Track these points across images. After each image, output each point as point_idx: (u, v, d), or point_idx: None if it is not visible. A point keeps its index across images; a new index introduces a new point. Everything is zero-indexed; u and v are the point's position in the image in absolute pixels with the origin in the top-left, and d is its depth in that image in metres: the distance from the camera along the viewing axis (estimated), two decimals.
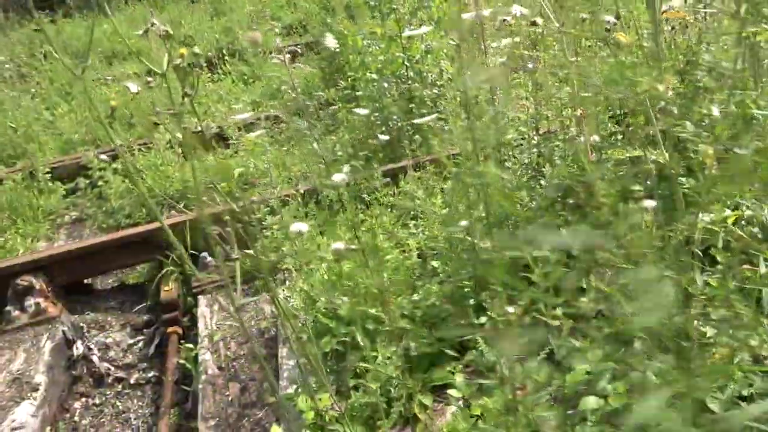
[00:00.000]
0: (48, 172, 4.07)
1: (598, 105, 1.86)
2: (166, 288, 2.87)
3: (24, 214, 3.73)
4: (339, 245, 1.34)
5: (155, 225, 3.15)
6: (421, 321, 2.05)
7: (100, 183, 3.97)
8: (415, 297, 2.10)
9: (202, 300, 2.75)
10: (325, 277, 2.37)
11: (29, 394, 2.36)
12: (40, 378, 2.44)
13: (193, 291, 2.83)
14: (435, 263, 2.19)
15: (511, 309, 0.89)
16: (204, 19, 8.05)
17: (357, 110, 2.01)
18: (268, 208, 2.87)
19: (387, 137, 2.49)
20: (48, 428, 2.35)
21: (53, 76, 6.18)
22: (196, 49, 1.24)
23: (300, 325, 1.73)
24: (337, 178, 1.35)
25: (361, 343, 2.00)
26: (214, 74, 5.78)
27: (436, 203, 2.78)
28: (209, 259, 2.96)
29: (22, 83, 5.60)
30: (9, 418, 2.24)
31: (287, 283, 2.70)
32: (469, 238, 1.57)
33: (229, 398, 2.15)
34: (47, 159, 4.28)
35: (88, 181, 4.12)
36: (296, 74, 4.77)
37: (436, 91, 3.54)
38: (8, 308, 2.79)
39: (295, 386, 2.03)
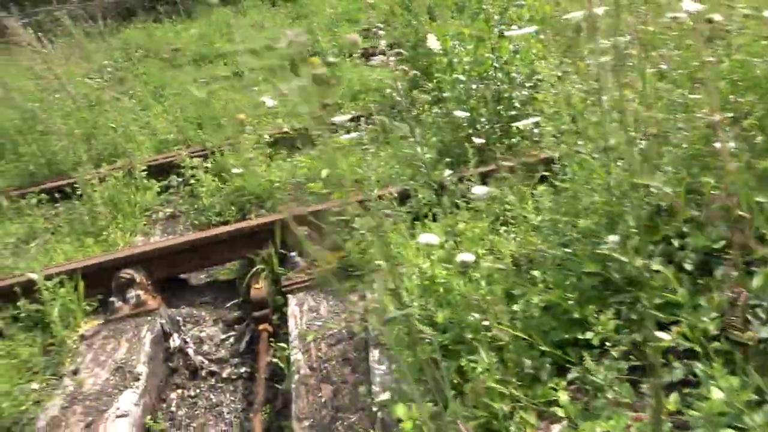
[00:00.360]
0: (144, 170, 4.27)
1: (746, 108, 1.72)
2: (257, 286, 2.93)
3: (123, 209, 3.93)
4: (468, 256, 1.29)
5: (246, 223, 3.23)
6: (521, 332, 1.97)
7: (191, 181, 4.14)
8: (515, 307, 2.02)
9: (292, 299, 2.79)
10: (417, 282, 2.34)
11: (132, 383, 2.47)
12: (142, 368, 2.55)
13: (282, 290, 2.88)
14: (535, 272, 2.11)
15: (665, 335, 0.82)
16: (285, 22, 8.25)
17: (457, 112, 1.96)
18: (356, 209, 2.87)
19: (482, 140, 2.42)
20: (148, 417, 2.45)
21: (147, 78, 6.52)
22: (330, 59, 1.24)
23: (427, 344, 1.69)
24: (479, 191, 1.31)
25: (460, 353, 1.95)
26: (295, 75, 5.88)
27: (528, 208, 2.69)
28: (298, 258, 3.01)
29: (120, 85, 5.92)
30: (114, 405, 2.36)
31: (375, 286, 2.69)
32: (617, 255, 1.48)
33: (322, 400, 2.16)
34: (143, 157, 4.50)
35: (180, 179, 4.31)
36: (382, 75, 4.78)
37: (525, 93, 3.44)
38: (112, 299, 2.94)
39: (388, 392, 2.01)
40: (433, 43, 2.04)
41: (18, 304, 2.83)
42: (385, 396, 1.99)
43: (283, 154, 4.29)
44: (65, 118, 4.86)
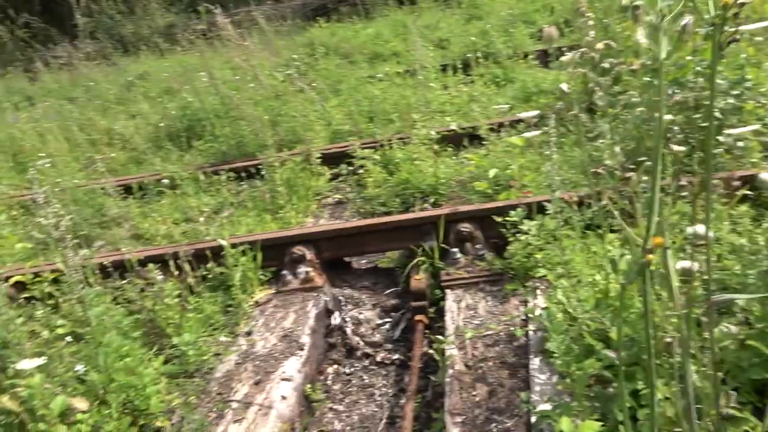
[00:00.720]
0: (319, 157, 4.55)
1: None
2: (417, 277, 2.97)
3: (298, 192, 4.22)
4: (686, 263, 1.18)
5: (410, 215, 3.29)
6: (711, 363, 1.75)
7: (360, 171, 4.32)
8: (706, 335, 1.80)
9: (450, 294, 2.79)
10: (590, 293, 2.19)
11: (297, 351, 2.64)
12: (305, 339, 2.72)
13: (441, 284, 2.88)
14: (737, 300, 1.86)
15: None
16: (459, 23, 8.29)
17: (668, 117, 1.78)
18: (525, 211, 2.78)
19: (682, 148, 2.20)
20: (308, 385, 2.60)
21: (326, 73, 6.95)
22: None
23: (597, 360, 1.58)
24: None
25: (636, 376, 1.79)
26: (467, 75, 5.89)
27: (723, 228, 2.40)
28: (459, 255, 2.99)
29: (303, 79, 6.38)
30: (280, 368, 2.54)
31: (538, 292, 2.58)
32: None
33: (476, 399, 2.12)
34: (319, 145, 4.79)
35: (350, 168, 4.53)
36: (558, 78, 4.59)
37: (731, 102, 3.07)
38: (284, 272, 3.17)
39: (550, 404, 1.91)
40: (641, 38, 1.88)
41: (208, 266, 3.16)
42: (546, 406, 1.90)
43: (449, 152, 4.30)
44: (255, 106, 5.36)
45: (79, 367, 2.11)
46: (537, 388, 2.05)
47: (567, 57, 2.47)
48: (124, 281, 2.89)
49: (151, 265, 2.85)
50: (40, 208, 2.66)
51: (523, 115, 2.91)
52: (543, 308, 2.22)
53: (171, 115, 6.16)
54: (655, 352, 1.83)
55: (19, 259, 3.74)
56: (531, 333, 2.34)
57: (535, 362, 2.17)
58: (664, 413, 1.67)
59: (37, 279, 2.98)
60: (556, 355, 1.91)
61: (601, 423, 1.69)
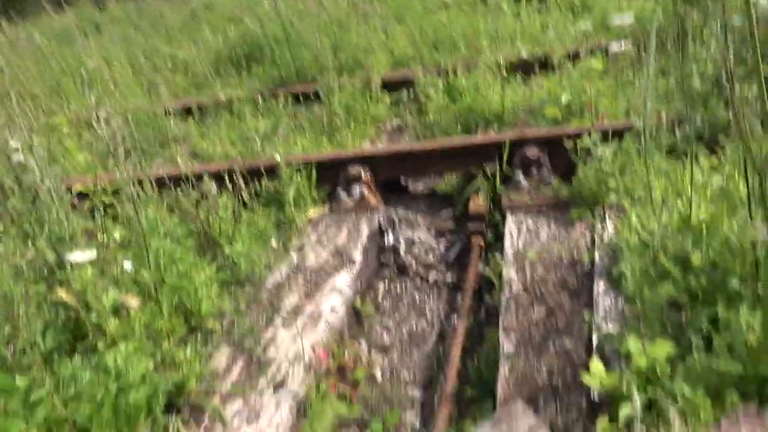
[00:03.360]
0: (379, 84, 4.39)
1: None
2: (476, 200, 2.83)
3: (356, 117, 4.11)
4: None
5: (472, 138, 3.12)
6: None
7: (422, 98, 4.14)
8: None
9: (511, 218, 2.64)
10: (665, 220, 2.00)
11: (348, 267, 2.59)
12: (357, 255, 2.66)
13: (502, 208, 2.73)
14: None
15: None
16: None
17: None
18: (599, 136, 2.57)
19: None
20: (357, 299, 2.56)
21: (391, 1, 6.67)
22: None
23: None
24: None
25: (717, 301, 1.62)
26: (541, 3, 5.51)
27: None
28: (523, 180, 2.82)
29: (366, 6, 6.14)
30: (330, 281, 2.50)
31: (608, 219, 2.40)
32: None
33: (533, 319, 2.01)
34: (380, 72, 4.62)
35: (411, 95, 4.36)
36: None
37: None
38: (338, 191, 3.10)
39: (616, 324, 1.77)
40: None
41: (262, 182, 3.13)
42: (611, 328, 1.76)
43: (518, 80, 4.05)
44: (317, 31, 5.21)
45: (129, 264, 2.12)
46: (601, 312, 1.90)
47: None
48: (179, 194, 2.90)
49: (206, 178, 2.84)
50: (102, 124, 2.67)
51: (617, 20, 2.63)
52: (615, 232, 2.05)
53: (232, 42, 6.11)
54: (741, 275, 1.64)
55: (81, 172, 3.85)
56: (597, 258, 2.18)
57: (600, 286, 2.02)
58: (746, 341, 1.50)
59: (97, 189, 3.03)
60: (628, 276, 1.76)
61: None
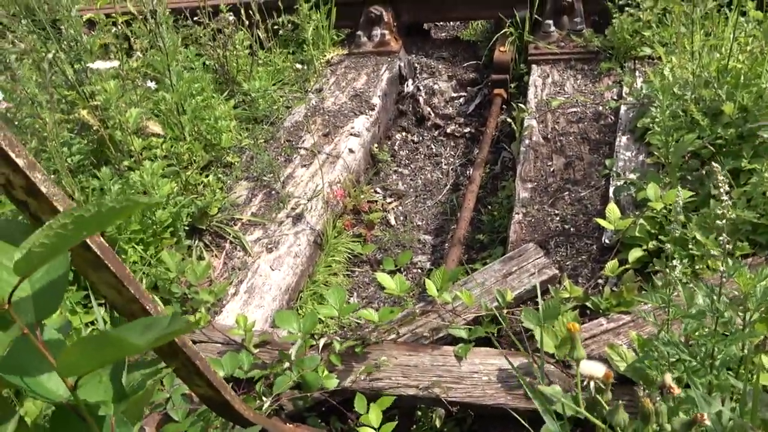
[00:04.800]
0: None
1: None
2: (502, 48, 2.71)
3: None
4: None
5: None
6: None
7: None
8: None
9: (536, 69, 2.55)
10: (701, 70, 1.92)
11: (366, 111, 2.56)
12: (376, 101, 2.61)
13: (528, 59, 2.63)
14: None
15: None
16: None
17: None
18: None
19: None
20: (375, 145, 2.56)
21: None
22: None
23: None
24: None
25: (742, 153, 1.60)
26: None
27: None
28: (553, 28, 2.68)
29: None
30: (349, 124, 2.48)
31: (637, 74, 2.31)
32: None
33: (551, 169, 2.02)
34: None
35: None
36: None
37: None
38: (359, 33, 2.96)
39: (635, 174, 1.78)
40: None
41: (279, 19, 2.98)
42: (631, 176, 1.77)
43: None
44: None
45: (151, 83, 2.09)
46: (621, 163, 1.90)
47: None
48: (196, 26, 2.78)
49: (222, 6, 2.70)
50: None
51: None
52: (646, 81, 1.98)
53: None
54: None
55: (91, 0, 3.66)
56: (622, 112, 2.13)
57: (623, 140, 2.00)
58: (764, 191, 1.51)
59: (110, 20, 2.90)
60: (654, 127, 1.72)
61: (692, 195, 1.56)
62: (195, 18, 2.84)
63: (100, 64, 1.82)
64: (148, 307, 0.89)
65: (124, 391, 0.73)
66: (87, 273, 0.81)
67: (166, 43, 2.40)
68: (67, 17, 1.90)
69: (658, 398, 0.75)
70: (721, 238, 0.90)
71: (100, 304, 1.49)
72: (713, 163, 1.60)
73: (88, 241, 0.77)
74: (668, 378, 0.77)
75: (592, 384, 0.68)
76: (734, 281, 0.90)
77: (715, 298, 0.89)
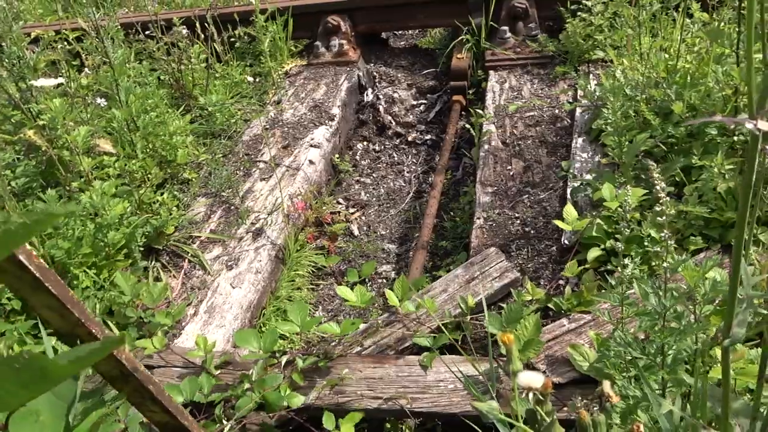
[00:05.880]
0: None
1: None
2: (459, 56, 2.73)
3: None
4: None
5: None
6: None
7: None
8: None
9: (494, 75, 2.57)
10: (651, 71, 1.96)
11: (326, 121, 2.54)
12: (336, 111, 2.60)
13: (485, 65, 2.65)
14: None
15: None
16: None
17: None
18: None
19: None
20: (336, 155, 2.54)
21: None
22: None
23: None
24: None
25: (692, 150, 1.64)
26: None
27: None
28: (509, 35, 2.71)
29: None
30: (309, 136, 2.46)
31: (591, 77, 2.35)
32: None
33: (511, 173, 2.03)
34: None
35: None
36: None
37: None
38: (317, 43, 2.95)
39: (592, 174, 1.80)
40: None
41: (236, 31, 2.95)
42: (587, 176, 1.79)
43: None
44: None
45: (101, 100, 2.03)
46: (577, 165, 1.93)
47: None
48: (149, 41, 2.73)
49: (176, 19, 2.65)
50: None
51: None
52: (599, 84, 2.01)
53: None
54: (719, 125, 1.64)
55: (40, 17, 3.57)
56: (578, 114, 2.16)
57: (579, 141, 2.02)
58: (714, 187, 1.54)
59: (59, 36, 2.82)
60: (608, 127, 1.75)
61: (644, 194, 1.58)
62: (147, 32, 2.79)
63: (43, 82, 1.75)
64: (94, 331, 0.85)
65: (69, 429, 0.68)
66: (26, 296, 0.77)
67: (115, 58, 2.34)
68: (7, 33, 1.84)
69: (595, 408, 0.75)
70: (662, 234, 0.90)
71: (50, 334, 1.42)
72: (648, 160, 1.63)
73: (25, 261, 0.73)
74: (607, 386, 0.77)
75: (530, 395, 0.67)
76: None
77: (660, 294, 0.90)
